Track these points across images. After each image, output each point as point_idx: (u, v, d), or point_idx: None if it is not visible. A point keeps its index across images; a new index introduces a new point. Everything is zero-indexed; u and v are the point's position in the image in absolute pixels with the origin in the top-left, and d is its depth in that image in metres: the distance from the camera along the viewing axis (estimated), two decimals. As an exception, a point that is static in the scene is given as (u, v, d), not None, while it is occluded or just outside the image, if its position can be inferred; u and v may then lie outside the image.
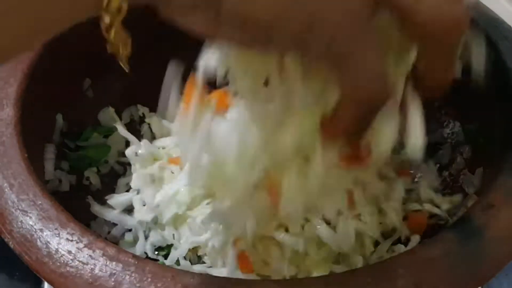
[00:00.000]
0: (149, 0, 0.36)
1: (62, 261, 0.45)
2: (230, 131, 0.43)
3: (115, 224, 0.65)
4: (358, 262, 0.55)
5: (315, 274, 0.53)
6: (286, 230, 0.54)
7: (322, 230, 0.53)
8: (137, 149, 0.67)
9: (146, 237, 0.63)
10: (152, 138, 0.74)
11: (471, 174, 0.64)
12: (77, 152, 0.68)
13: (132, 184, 0.67)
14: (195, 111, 0.44)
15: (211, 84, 0.46)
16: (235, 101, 0.45)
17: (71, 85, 0.70)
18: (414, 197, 0.63)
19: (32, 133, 0.59)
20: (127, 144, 0.71)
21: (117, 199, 0.65)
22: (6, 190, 0.50)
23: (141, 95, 0.77)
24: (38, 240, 0.46)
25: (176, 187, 0.60)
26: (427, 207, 0.61)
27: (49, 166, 0.63)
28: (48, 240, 0.46)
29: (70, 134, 0.69)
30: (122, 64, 0.39)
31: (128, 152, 0.67)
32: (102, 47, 0.72)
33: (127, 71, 0.40)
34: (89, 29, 0.69)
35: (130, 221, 0.64)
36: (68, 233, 0.47)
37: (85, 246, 0.45)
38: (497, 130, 0.62)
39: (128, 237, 0.64)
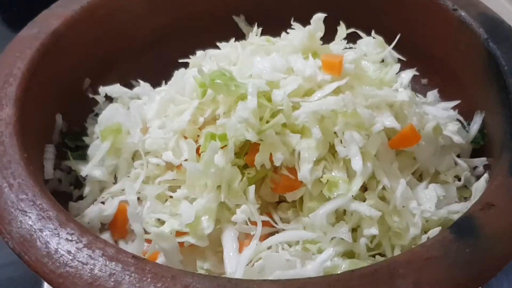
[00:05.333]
0: None
1: (62, 261, 0.45)
2: None
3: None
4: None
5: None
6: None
7: None
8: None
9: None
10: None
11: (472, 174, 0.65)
12: (77, 152, 0.68)
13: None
14: None
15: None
16: None
17: (71, 85, 0.70)
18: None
19: (32, 133, 0.59)
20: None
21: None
22: (6, 190, 0.50)
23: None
24: (37, 240, 0.46)
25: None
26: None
27: (48, 166, 0.63)
28: (48, 240, 0.46)
29: (70, 134, 0.69)
30: None
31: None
32: (102, 47, 0.73)
33: None
34: (89, 29, 0.71)
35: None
36: (67, 233, 0.47)
37: (85, 246, 0.45)
38: (497, 131, 0.62)
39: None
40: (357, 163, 0.55)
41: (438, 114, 0.67)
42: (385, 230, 0.56)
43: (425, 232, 0.56)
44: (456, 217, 0.57)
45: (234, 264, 0.53)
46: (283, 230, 0.57)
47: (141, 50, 0.78)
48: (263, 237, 0.56)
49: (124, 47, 0.75)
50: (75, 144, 0.69)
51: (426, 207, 0.58)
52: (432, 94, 0.73)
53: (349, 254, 0.56)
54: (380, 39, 0.67)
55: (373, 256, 0.56)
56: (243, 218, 0.55)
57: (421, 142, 0.60)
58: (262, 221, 0.56)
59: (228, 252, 0.55)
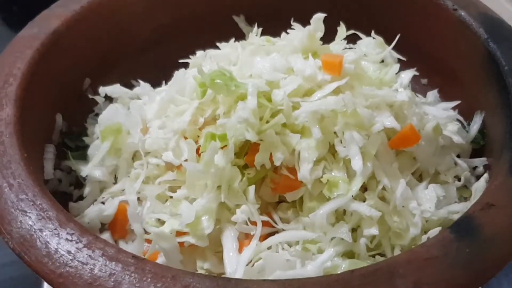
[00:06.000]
0: None
1: (62, 261, 0.45)
2: None
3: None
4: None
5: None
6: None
7: None
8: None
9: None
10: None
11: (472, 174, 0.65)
12: (77, 152, 0.68)
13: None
14: None
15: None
16: None
17: (71, 85, 0.70)
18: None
19: (32, 133, 0.59)
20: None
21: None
22: (6, 190, 0.50)
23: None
24: (37, 240, 0.46)
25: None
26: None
27: (48, 166, 0.63)
28: (48, 240, 0.46)
29: (70, 134, 0.69)
30: None
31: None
32: (102, 47, 0.73)
33: None
34: (89, 29, 0.71)
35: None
36: (67, 233, 0.47)
37: (85, 246, 0.45)
38: (497, 131, 0.62)
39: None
40: (357, 163, 0.55)
41: (438, 114, 0.67)
42: (385, 230, 0.56)
43: (425, 232, 0.56)
44: (456, 217, 0.57)
45: (234, 264, 0.53)
46: (283, 230, 0.57)
47: (141, 50, 0.78)
48: (263, 237, 0.56)
49: (124, 47, 0.75)
50: (75, 144, 0.69)
51: (426, 207, 0.58)
52: (432, 94, 0.73)
53: (349, 254, 0.56)
54: (380, 39, 0.67)
55: (373, 256, 0.56)
56: (243, 218, 0.55)
57: (421, 142, 0.60)
58: (262, 221, 0.56)
59: (228, 252, 0.55)
